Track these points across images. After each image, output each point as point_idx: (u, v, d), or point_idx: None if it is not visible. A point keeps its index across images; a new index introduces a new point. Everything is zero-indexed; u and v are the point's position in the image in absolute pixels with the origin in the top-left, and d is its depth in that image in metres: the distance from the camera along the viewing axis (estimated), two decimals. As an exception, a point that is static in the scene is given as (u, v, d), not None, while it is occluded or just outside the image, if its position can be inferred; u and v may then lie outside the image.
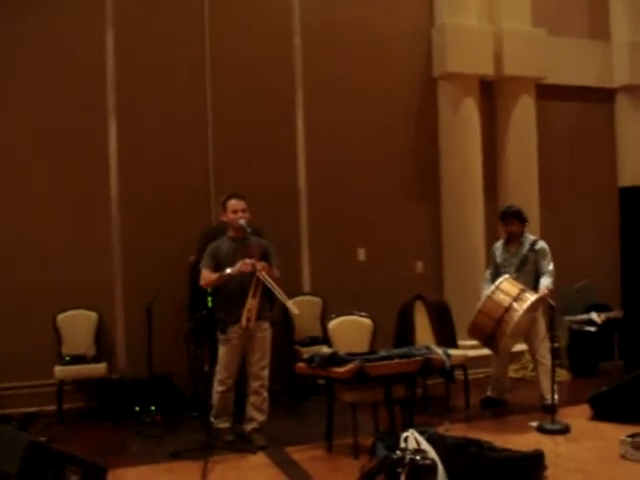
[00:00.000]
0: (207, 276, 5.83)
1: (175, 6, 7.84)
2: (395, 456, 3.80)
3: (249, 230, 5.82)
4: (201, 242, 6.68)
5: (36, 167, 7.35)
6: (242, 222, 5.81)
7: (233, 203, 5.88)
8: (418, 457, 3.75)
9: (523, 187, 8.82)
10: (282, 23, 8.22)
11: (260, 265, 5.67)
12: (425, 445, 4.43)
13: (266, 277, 5.66)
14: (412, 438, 4.48)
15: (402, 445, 4.39)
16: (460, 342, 7.46)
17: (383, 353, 5.63)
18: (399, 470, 3.69)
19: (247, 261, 5.65)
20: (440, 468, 4.10)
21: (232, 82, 7.91)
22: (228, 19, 7.94)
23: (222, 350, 5.83)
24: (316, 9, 8.28)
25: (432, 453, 4.19)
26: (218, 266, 5.81)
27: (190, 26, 7.87)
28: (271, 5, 8.20)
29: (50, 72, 7.39)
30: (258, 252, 5.87)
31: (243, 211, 5.85)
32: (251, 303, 5.72)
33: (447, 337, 7.22)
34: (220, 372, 5.84)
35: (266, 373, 5.94)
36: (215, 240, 6.03)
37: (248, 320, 5.72)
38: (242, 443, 5.80)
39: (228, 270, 5.68)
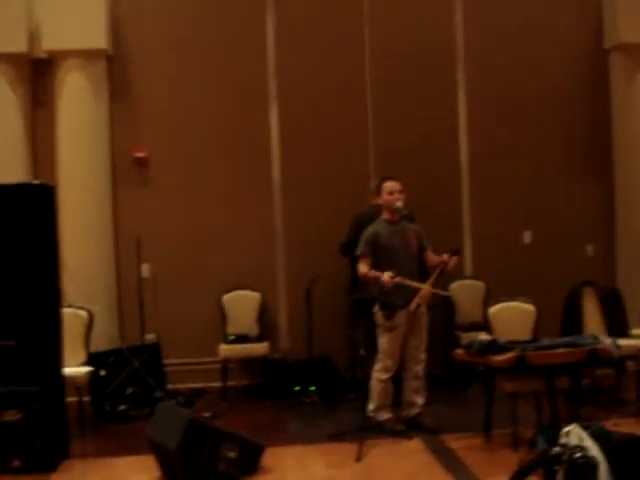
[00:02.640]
0: (365, 271, 5.69)
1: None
2: (553, 452, 3.59)
3: (405, 213, 5.73)
4: (353, 225, 6.66)
5: (202, 153, 7.64)
6: (399, 204, 5.72)
7: (389, 185, 5.79)
8: (578, 454, 3.52)
9: None
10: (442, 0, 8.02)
11: (455, 260, 5.63)
12: (588, 441, 4.16)
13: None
14: (574, 433, 4.22)
15: (563, 440, 4.15)
16: (633, 331, 7.01)
17: (546, 342, 5.37)
18: (556, 468, 3.49)
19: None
20: (603, 466, 3.85)
21: (392, 62, 7.83)
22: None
23: (387, 338, 5.72)
24: (478, -17, 8.01)
25: (595, 450, 3.92)
26: (376, 251, 5.74)
27: (348, 8, 7.83)
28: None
29: (213, 61, 7.65)
30: (413, 237, 5.82)
31: (400, 192, 5.76)
32: (427, 290, 5.64)
33: (618, 325, 6.79)
34: (384, 360, 5.74)
35: (425, 356, 5.88)
36: (367, 223, 5.96)
37: (418, 305, 5.64)
38: (404, 429, 5.74)
39: (385, 276, 5.50)
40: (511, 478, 3.74)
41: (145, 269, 7.47)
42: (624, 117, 8.14)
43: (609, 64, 8.22)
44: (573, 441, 4.10)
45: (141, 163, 7.53)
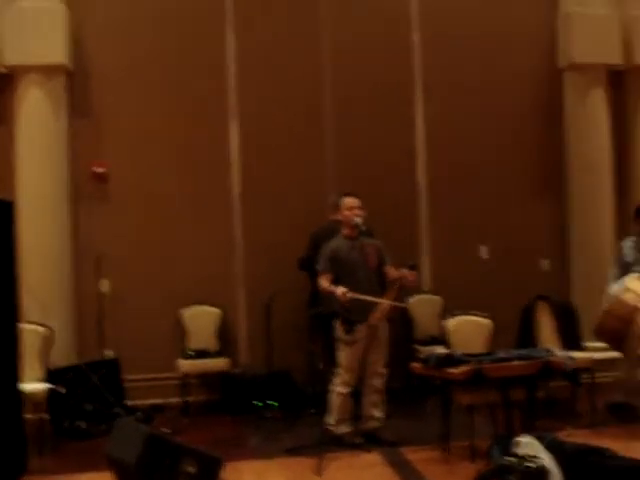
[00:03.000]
0: (325, 286, 5.75)
1: (293, 6, 7.95)
2: (507, 462, 3.69)
3: (363, 229, 5.81)
4: (311, 241, 6.73)
5: (162, 168, 7.65)
6: (357, 220, 5.79)
7: (349, 200, 5.88)
8: (531, 464, 3.62)
9: (657, 180, 8.39)
10: (400, 19, 8.16)
11: (413, 275, 5.69)
12: (542, 451, 4.27)
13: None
14: (528, 443, 4.33)
15: (517, 450, 4.26)
16: (587, 344, 7.17)
17: (501, 355, 5.49)
18: (510, 477, 3.58)
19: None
20: (554, 475, 3.95)
21: (350, 79, 7.94)
22: (345, 17, 7.98)
23: (346, 352, 5.78)
24: (435, 2, 8.18)
25: (547, 459, 4.03)
26: (336, 267, 5.80)
27: (307, 25, 7.95)
28: (389, 1, 8.18)
29: (174, 75, 7.67)
30: (373, 252, 5.88)
31: (359, 208, 5.83)
32: (386, 304, 5.71)
33: (572, 339, 6.93)
34: (343, 375, 5.80)
35: (385, 370, 5.94)
36: (325, 239, 6.03)
37: (378, 320, 5.71)
38: (363, 442, 5.79)
39: (338, 292, 5.57)
40: (467, 488, 3.82)
41: (104, 284, 7.45)
42: (577, 135, 8.35)
43: (563, 83, 8.45)
44: (527, 451, 4.21)
45: (101, 178, 7.51)
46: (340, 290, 5.55)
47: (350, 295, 5.54)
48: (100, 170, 7.48)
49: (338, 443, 5.72)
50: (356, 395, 5.93)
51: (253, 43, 7.81)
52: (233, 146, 7.80)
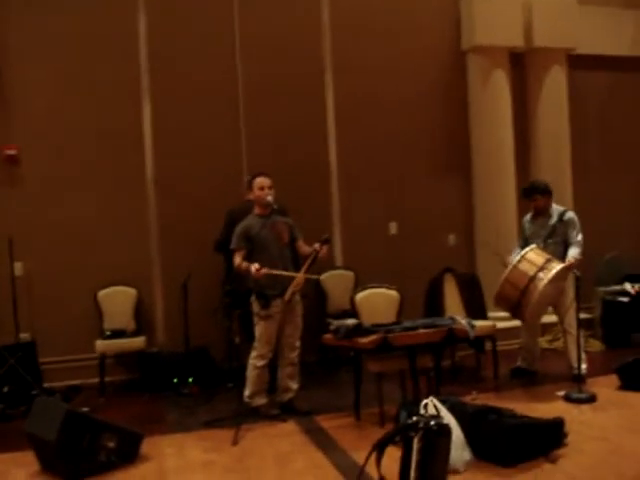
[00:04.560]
0: (239, 263, 5.89)
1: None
2: (410, 421, 3.93)
3: (275, 207, 5.98)
4: (227, 220, 6.85)
5: (75, 150, 7.62)
6: (269, 199, 5.96)
7: (260, 180, 6.03)
8: (432, 422, 3.87)
9: (555, 158, 8.82)
10: (311, 4, 8.32)
11: (325, 248, 5.87)
12: (444, 412, 4.56)
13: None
14: (431, 405, 4.61)
15: (422, 412, 4.53)
16: (491, 314, 7.54)
17: (407, 324, 5.75)
18: (412, 434, 3.82)
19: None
20: (456, 433, 4.23)
21: (262, 61, 8.06)
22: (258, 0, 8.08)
23: (263, 326, 5.94)
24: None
25: (449, 419, 4.32)
26: (249, 244, 5.94)
27: (220, 9, 8.01)
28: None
29: (85, 57, 7.62)
30: (285, 229, 6.06)
31: (269, 188, 6.00)
32: (301, 278, 5.87)
33: (476, 309, 7.28)
34: (260, 348, 5.96)
35: (300, 344, 6.13)
36: (240, 219, 6.15)
37: (293, 294, 5.88)
38: (279, 413, 5.99)
39: (252, 269, 5.71)
40: (373, 447, 4.06)
41: (18, 267, 7.39)
42: (480, 116, 8.71)
43: (467, 65, 8.78)
44: (430, 413, 4.49)
45: (12, 160, 7.43)
46: (254, 267, 5.71)
47: (264, 271, 5.72)
48: (11, 152, 7.40)
49: (255, 415, 5.91)
50: (272, 368, 6.13)
51: (165, 25, 7.84)
52: (146, 129, 7.82)
